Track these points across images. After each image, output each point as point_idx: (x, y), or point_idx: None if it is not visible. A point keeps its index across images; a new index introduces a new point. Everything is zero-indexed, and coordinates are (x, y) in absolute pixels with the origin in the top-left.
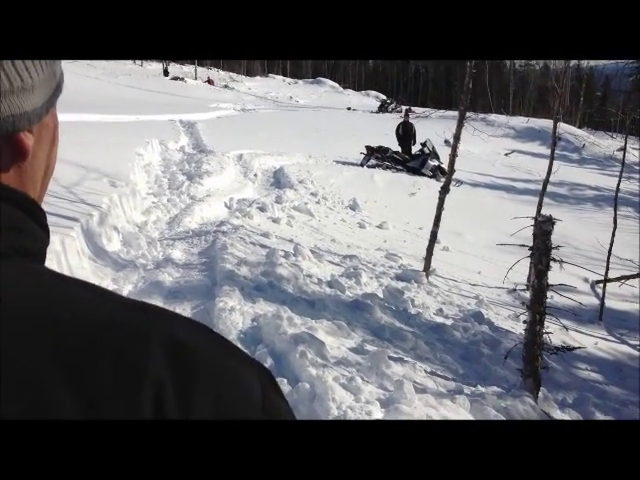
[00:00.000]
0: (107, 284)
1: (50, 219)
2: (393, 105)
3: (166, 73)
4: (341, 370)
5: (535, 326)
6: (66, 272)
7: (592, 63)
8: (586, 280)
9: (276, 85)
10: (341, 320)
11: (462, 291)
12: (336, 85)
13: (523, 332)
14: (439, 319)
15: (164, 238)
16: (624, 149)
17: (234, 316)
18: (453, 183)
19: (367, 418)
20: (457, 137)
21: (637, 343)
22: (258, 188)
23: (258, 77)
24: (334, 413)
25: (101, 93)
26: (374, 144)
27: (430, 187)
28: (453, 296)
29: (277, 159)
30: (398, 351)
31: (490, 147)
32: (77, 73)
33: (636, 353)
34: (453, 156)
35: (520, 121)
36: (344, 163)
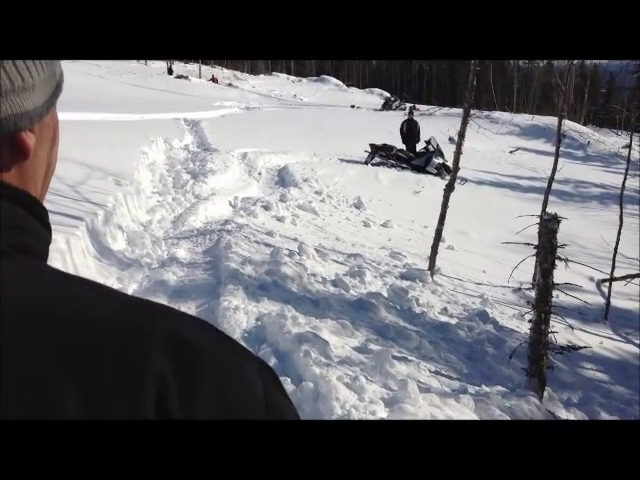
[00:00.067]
0: (112, 283)
1: (55, 218)
2: (397, 103)
3: (170, 71)
4: (345, 369)
5: (540, 325)
6: (71, 271)
7: (596, 60)
8: (592, 279)
9: (280, 83)
10: (345, 319)
11: (467, 290)
12: (340, 83)
13: (528, 331)
14: (444, 318)
15: (169, 237)
16: (629, 146)
17: (238, 315)
18: (458, 181)
19: (371, 417)
20: (462, 135)
21: None
22: (262, 187)
23: (262, 75)
24: (338, 412)
25: (105, 92)
26: (378, 142)
27: (435, 185)
28: (458, 295)
29: (281, 157)
30: (402, 350)
31: (495, 145)
32: (81, 72)
33: None
34: (458, 154)
35: (524, 118)
36: (348, 161)
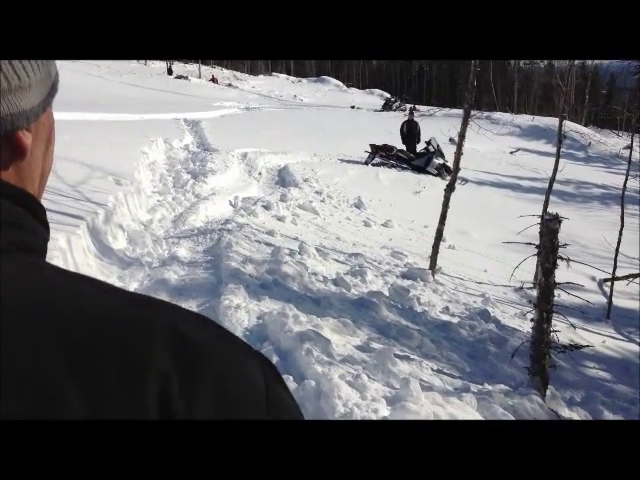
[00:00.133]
0: (113, 282)
1: (56, 217)
2: (397, 103)
3: (170, 72)
4: (347, 368)
5: (542, 324)
6: (72, 270)
7: (597, 61)
8: (593, 278)
9: (280, 84)
10: (347, 318)
11: (468, 289)
12: (340, 83)
13: (530, 330)
14: (445, 317)
15: (169, 236)
16: (630, 147)
17: (239, 314)
18: (458, 181)
19: (373, 415)
20: (462, 135)
21: None
22: (263, 186)
23: (262, 76)
24: (340, 411)
25: (105, 92)
26: (379, 142)
27: (435, 185)
28: (459, 294)
29: (282, 157)
30: (404, 349)
31: (495, 145)
32: (81, 72)
33: None
34: (458, 154)
35: (525, 119)
36: (349, 161)
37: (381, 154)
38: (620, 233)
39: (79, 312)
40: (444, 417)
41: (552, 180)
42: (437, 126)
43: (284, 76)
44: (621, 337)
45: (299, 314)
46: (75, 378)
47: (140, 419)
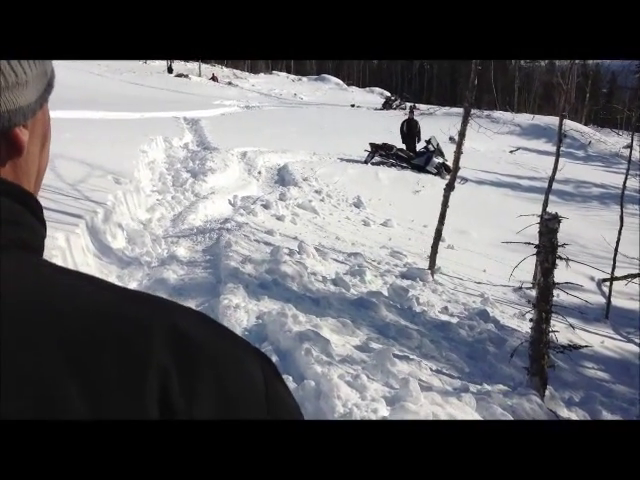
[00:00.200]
0: (112, 281)
1: (55, 216)
2: (397, 102)
3: (170, 70)
4: (346, 368)
5: (541, 324)
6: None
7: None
8: (592, 278)
9: (280, 82)
10: (346, 318)
11: (467, 289)
12: (340, 82)
13: (529, 330)
14: (444, 317)
15: (168, 235)
16: (630, 146)
17: (239, 314)
18: (458, 180)
19: (373, 415)
20: (462, 134)
21: None
22: (262, 185)
23: (262, 74)
24: (340, 411)
25: (105, 90)
26: (378, 141)
27: (435, 185)
28: (458, 294)
29: (281, 156)
30: (403, 349)
31: (495, 144)
32: (81, 70)
33: None
34: (458, 153)
35: (525, 118)
36: (348, 160)
37: (381, 153)
38: (619, 233)
39: (78, 309)
40: (443, 417)
41: (552, 179)
42: (437, 125)
43: (284, 74)
44: (620, 337)
45: (298, 314)
46: (75, 376)
47: (140, 416)
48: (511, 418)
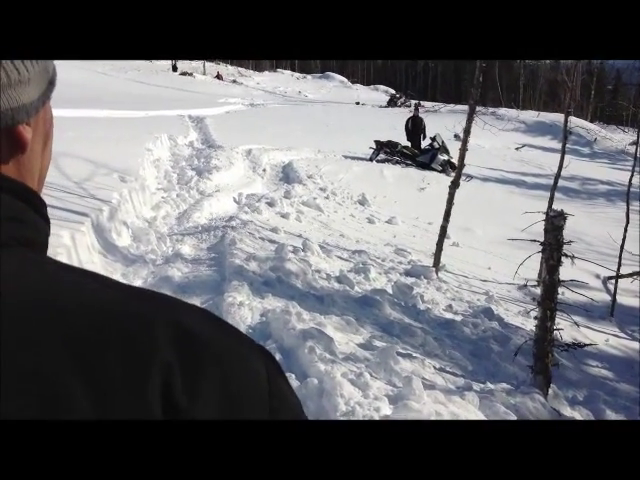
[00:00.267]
0: (117, 279)
1: (60, 214)
2: (402, 99)
3: (175, 68)
4: (350, 366)
5: (546, 322)
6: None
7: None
8: (598, 276)
9: (285, 80)
10: (350, 316)
11: (472, 287)
12: (345, 80)
13: (533, 328)
14: (448, 315)
15: (173, 233)
16: (636, 143)
17: (243, 311)
18: (463, 178)
19: (375, 414)
20: (467, 131)
21: None
22: (267, 183)
23: (267, 72)
24: (342, 409)
25: (110, 88)
26: (383, 139)
27: (440, 182)
28: (463, 292)
29: (286, 154)
30: (407, 347)
31: (500, 141)
32: (86, 69)
33: None
34: (463, 150)
35: (531, 115)
36: (353, 158)
37: (385, 150)
38: (625, 230)
39: (81, 307)
40: (446, 416)
41: (557, 176)
42: (442, 122)
43: (289, 72)
44: (625, 336)
45: (302, 312)
46: (78, 373)
47: (144, 413)
48: (514, 417)
